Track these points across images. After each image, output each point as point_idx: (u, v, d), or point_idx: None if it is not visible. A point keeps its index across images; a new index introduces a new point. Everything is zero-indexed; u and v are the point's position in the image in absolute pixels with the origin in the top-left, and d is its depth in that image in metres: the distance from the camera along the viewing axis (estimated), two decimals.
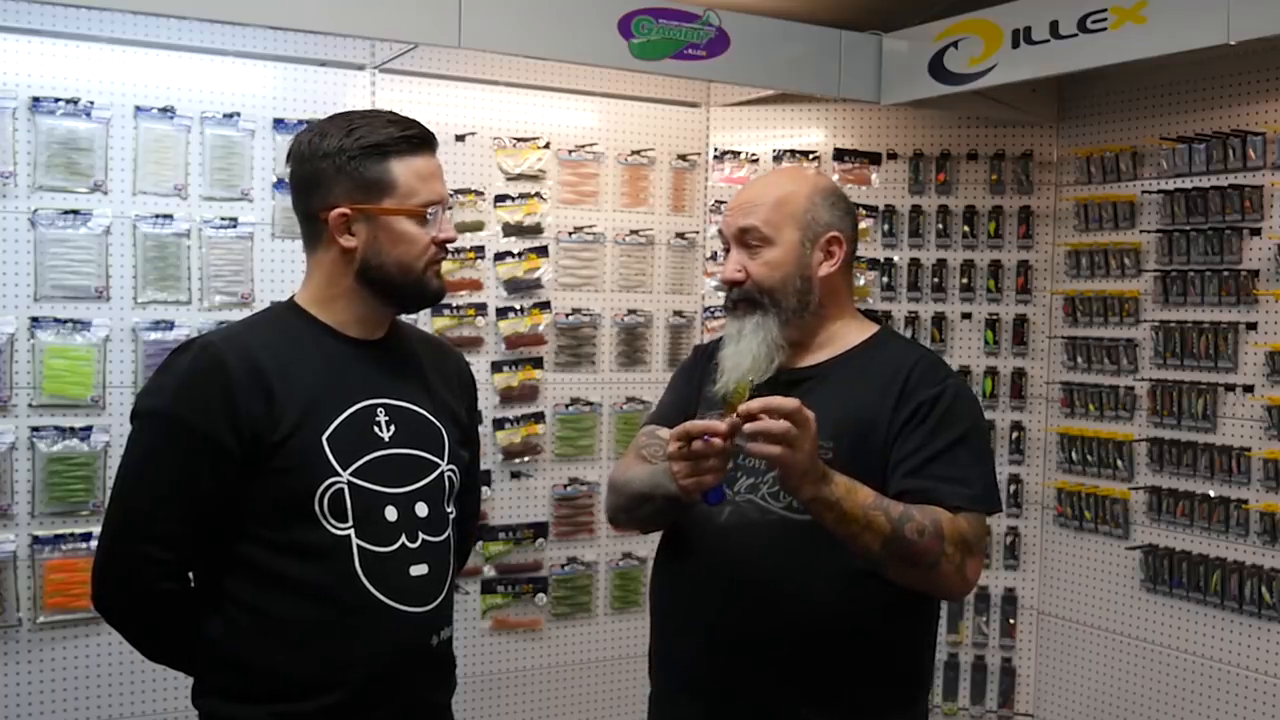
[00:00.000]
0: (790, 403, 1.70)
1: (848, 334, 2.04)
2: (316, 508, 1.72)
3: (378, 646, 1.76)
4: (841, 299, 2.05)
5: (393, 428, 1.81)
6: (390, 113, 1.83)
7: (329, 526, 1.73)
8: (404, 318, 1.97)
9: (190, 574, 1.80)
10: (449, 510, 1.89)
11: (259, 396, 1.71)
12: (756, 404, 1.71)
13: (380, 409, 1.81)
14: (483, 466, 3.82)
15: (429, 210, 1.78)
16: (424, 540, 1.81)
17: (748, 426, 1.71)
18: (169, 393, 1.73)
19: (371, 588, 1.74)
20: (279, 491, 1.72)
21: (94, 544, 3.16)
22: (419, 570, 1.80)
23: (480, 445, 2.16)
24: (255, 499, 1.72)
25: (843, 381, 1.94)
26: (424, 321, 3.71)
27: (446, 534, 1.87)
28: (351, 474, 1.75)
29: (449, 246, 1.85)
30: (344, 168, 1.76)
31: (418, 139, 1.80)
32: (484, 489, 3.81)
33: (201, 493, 1.71)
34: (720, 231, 2.07)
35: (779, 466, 1.74)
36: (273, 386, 1.72)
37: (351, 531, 1.74)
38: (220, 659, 1.77)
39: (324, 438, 1.73)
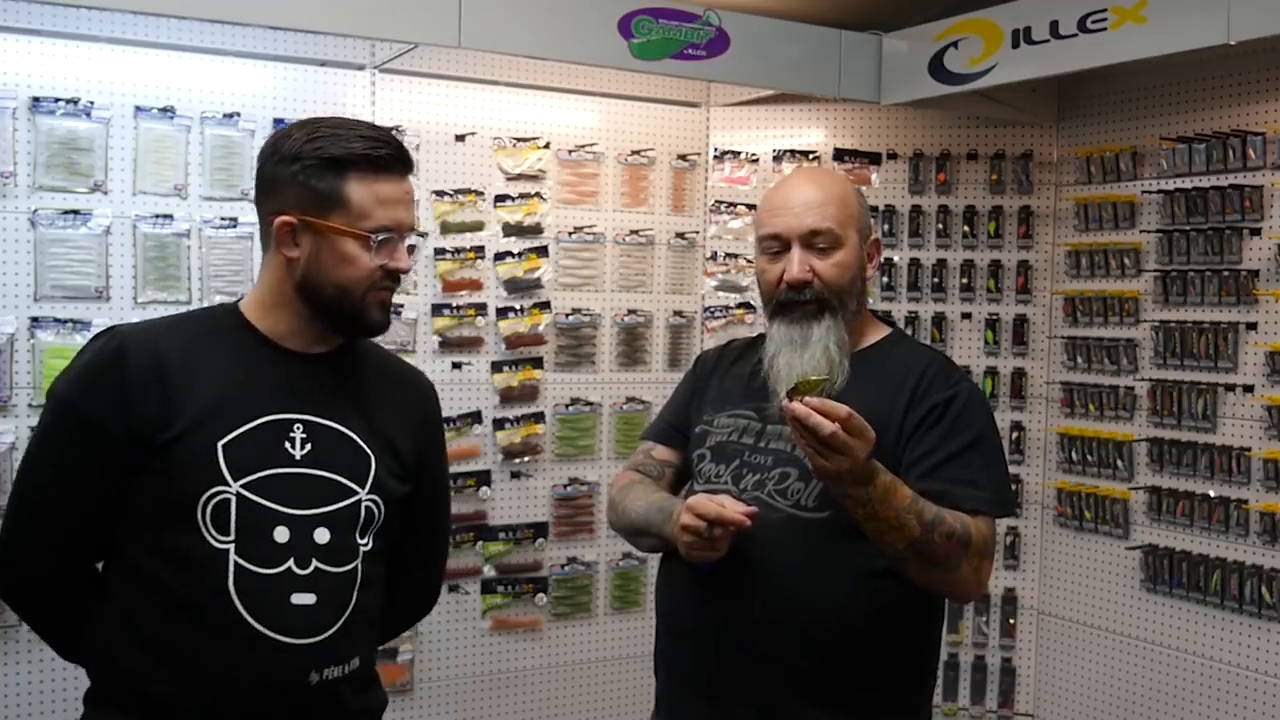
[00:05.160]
0: (840, 409, 1.70)
1: (862, 334, 2.06)
2: (198, 515, 1.65)
3: (244, 672, 1.66)
4: (864, 300, 2.09)
5: (308, 446, 1.72)
6: (369, 126, 1.75)
7: (208, 537, 1.65)
8: (379, 339, 1.89)
9: (85, 564, 1.77)
10: (363, 542, 1.76)
11: (153, 393, 1.66)
12: (802, 408, 1.71)
13: (298, 425, 1.72)
14: (483, 466, 3.83)
15: (374, 236, 1.68)
16: (317, 568, 1.70)
17: (794, 411, 1.71)
18: (70, 378, 1.71)
19: (242, 609, 1.65)
20: (163, 493, 1.66)
21: None
22: (303, 599, 1.68)
23: (446, 487, 2.04)
24: (140, 497, 1.68)
25: (855, 381, 1.94)
26: (424, 321, 3.71)
27: (352, 565, 1.74)
28: (242, 486, 1.66)
29: (400, 277, 1.75)
30: (297, 175, 1.68)
31: (384, 160, 1.70)
32: (484, 489, 3.81)
33: (86, 481, 1.68)
34: (769, 236, 2.01)
35: (815, 468, 1.76)
36: (173, 384, 1.66)
37: (231, 546, 1.65)
38: (100, 657, 1.74)
39: (220, 444, 1.66)
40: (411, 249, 1.82)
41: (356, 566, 1.75)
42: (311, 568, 1.69)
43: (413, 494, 1.86)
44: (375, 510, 1.77)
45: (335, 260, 1.70)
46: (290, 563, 1.68)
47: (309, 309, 1.74)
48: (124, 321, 3.19)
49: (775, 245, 2.00)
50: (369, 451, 1.77)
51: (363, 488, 1.75)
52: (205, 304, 3.35)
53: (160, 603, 1.67)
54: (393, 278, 1.73)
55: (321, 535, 1.71)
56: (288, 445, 1.71)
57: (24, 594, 1.78)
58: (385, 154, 1.70)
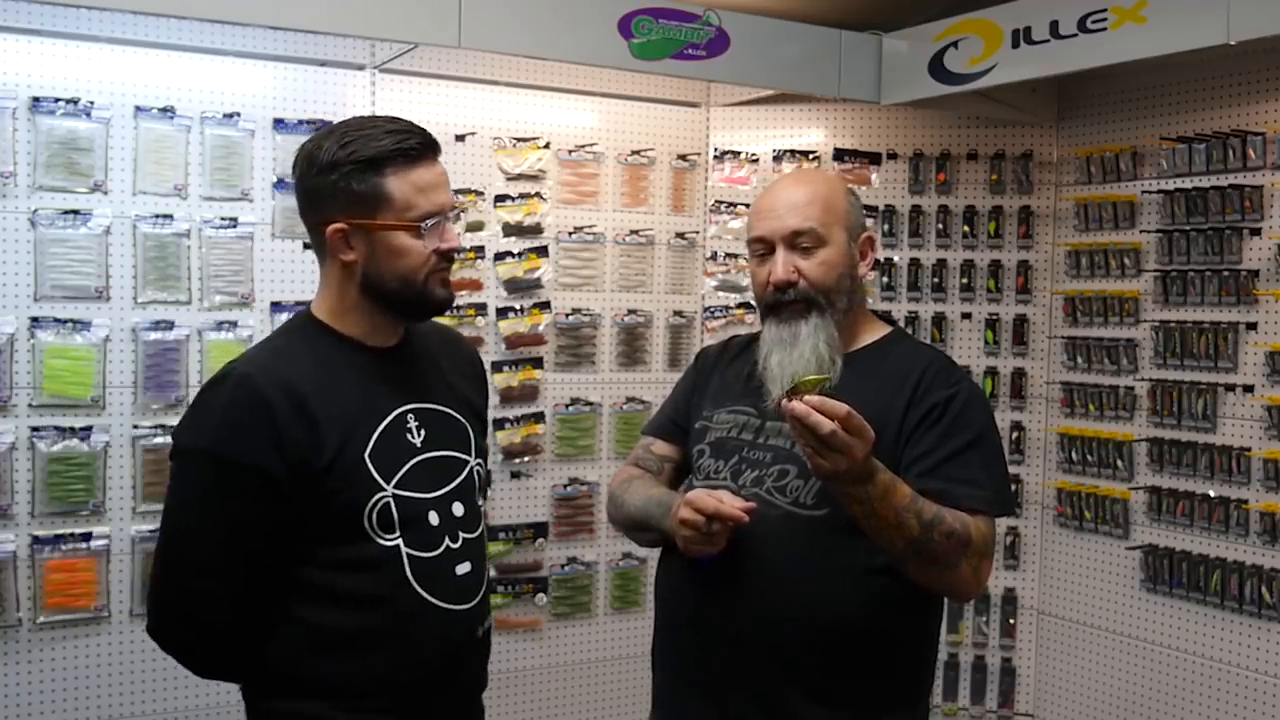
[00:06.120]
0: (839, 408, 1.70)
1: (862, 332, 2.06)
2: (366, 523, 1.74)
3: (432, 647, 1.80)
4: (863, 300, 2.09)
5: (423, 432, 1.83)
6: (392, 120, 1.80)
7: (378, 539, 1.75)
8: None
9: (246, 600, 1.80)
10: (480, 504, 1.92)
11: (302, 424, 1.71)
12: (802, 406, 1.70)
13: (410, 415, 1.83)
14: None
15: (423, 223, 1.76)
16: (464, 539, 1.85)
17: (794, 410, 1.71)
18: (211, 430, 1.72)
19: (424, 592, 1.78)
20: (329, 513, 1.73)
21: (94, 544, 3.21)
22: (463, 569, 1.84)
23: (489, 432, 2.18)
24: (307, 522, 1.73)
25: (854, 379, 1.94)
26: None
27: (480, 528, 1.91)
28: (395, 486, 1.77)
29: (455, 255, 1.84)
30: (338, 183, 1.75)
31: (415, 150, 1.77)
32: None
33: (253, 525, 1.72)
34: (756, 239, 2.02)
35: (814, 467, 1.76)
36: (314, 412, 1.72)
37: (400, 541, 1.77)
38: (279, 673, 1.79)
39: (365, 455, 1.75)
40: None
41: (483, 527, 1.93)
42: (460, 540, 1.85)
43: None
44: (480, 472, 1.94)
45: (391, 254, 1.77)
46: (446, 541, 1.83)
47: (377, 305, 1.82)
48: (125, 321, 3.25)
49: (761, 248, 2.02)
50: (464, 422, 1.91)
51: (470, 455, 1.91)
52: (205, 304, 3.36)
53: (350, 607, 1.75)
54: (447, 258, 1.82)
55: (458, 509, 1.86)
56: (409, 436, 1.82)
57: (196, 642, 1.79)
58: (414, 144, 1.77)
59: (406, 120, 1.81)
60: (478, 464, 1.92)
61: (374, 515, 1.74)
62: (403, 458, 1.79)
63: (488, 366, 3.81)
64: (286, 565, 1.75)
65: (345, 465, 1.73)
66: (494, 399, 3.83)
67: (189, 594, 1.74)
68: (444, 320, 3.67)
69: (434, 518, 1.81)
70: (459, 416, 1.90)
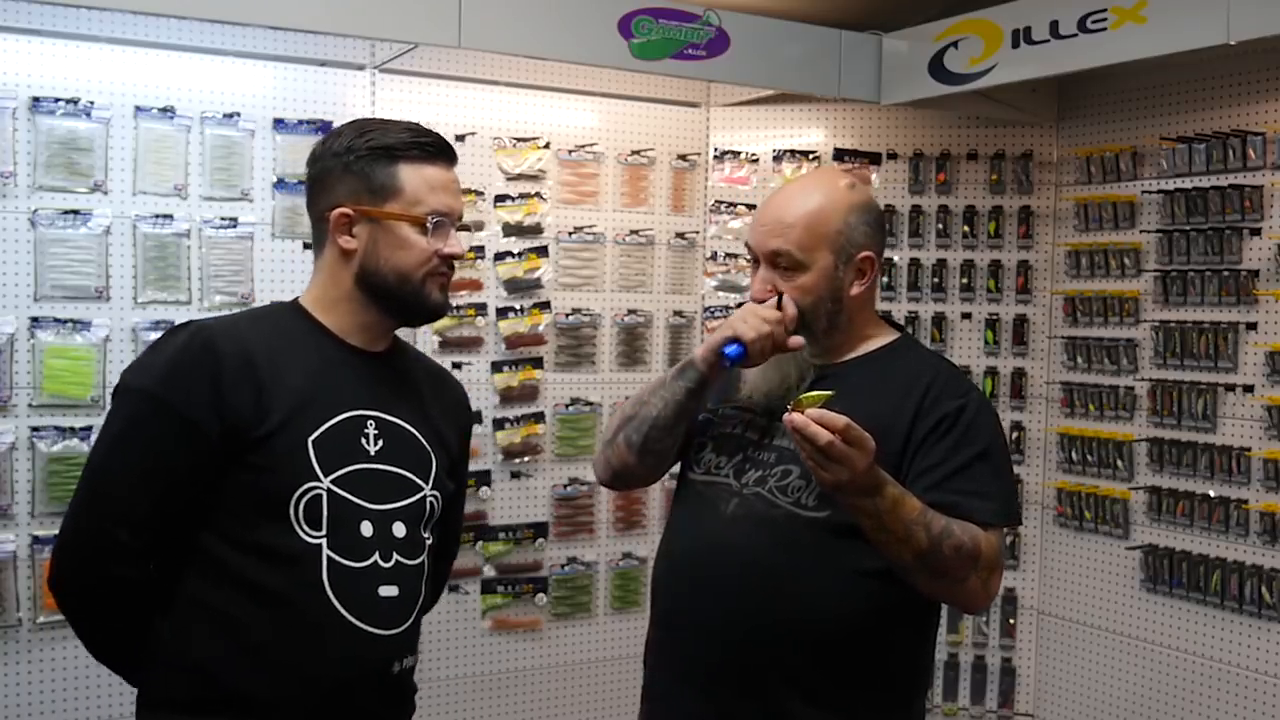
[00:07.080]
0: (838, 420, 1.70)
1: (868, 338, 2.04)
2: (291, 511, 1.66)
3: (336, 664, 1.70)
4: (866, 308, 2.04)
5: (380, 442, 1.76)
6: (413, 124, 1.79)
7: (301, 533, 1.67)
8: (408, 337, 1.94)
9: (151, 565, 1.72)
10: (426, 536, 1.83)
11: (248, 388, 1.66)
12: (801, 417, 1.71)
13: (370, 421, 1.76)
14: (483, 466, 3.82)
15: (429, 219, 1.73)
16: (398, 562, 1.75)
17: (793, 422, 1.71)
18: (156, 372, 1.67)
19: (336, 602, 1.68)
20: (256, 488, 1.67)
21: None
22: (389, 591, 1.73)
23: (466, 482, 2.08)
24: (230, 492, 1.67)
25: (859, 385, 1.93)
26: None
27: (421, 559, 1.81)
28: (332, 482, 1.69)
29: (455, 263, 1.80)
30: (350, 167, 1.74)
31: (432, 148, 1.76)
32: (484, 489, 3.81)
33: (176, 478, 1.66)
34: (747, 245, 2.02)
35: (818, 479, 1.76)
36: (263, 380, 1.67)
37: (324, 541, 1.68)
38: (170, 661, 1.70)
39: (310, 440, 1.68)
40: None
41: (424, 560, 1.82)
42: (393, 561, 1.75)
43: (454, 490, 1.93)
44: (435, 505, 1.84)
45: (392, 246, 1.74)
46: (376, 556, 1.73)
47: (370, 299, 1.77)
48: (125, 321, 3.25)
49: (751, 254, 2.02)
50: (429, 449, 1.83)
51: (426, 483, 1.81)
52: (205, 304, 3.36)
53: (250, 598, 1.67)
54: (448, 263, 1.78)
55: (399, 529, 1.76)
56: (363, 441, 1.75)
57: (93, 598, 1.72)
58: (432, 142, 1.77)
59: (426, 127, 1.81)
60: (433, 496, 1.82)
61: (302, 504, 1.66)
62: (350, 458, 1.71)
63: (487, 367, 3.82)
64: (197, 534, 1.67)
65: (285, 443, 1.66)
66: (494, 399, 3.83)
67: (97, 539, 1.66)
68: (444, 320, 3.71)
69: (367, 529, 1.72)
70: (424, 442, 1.82)
